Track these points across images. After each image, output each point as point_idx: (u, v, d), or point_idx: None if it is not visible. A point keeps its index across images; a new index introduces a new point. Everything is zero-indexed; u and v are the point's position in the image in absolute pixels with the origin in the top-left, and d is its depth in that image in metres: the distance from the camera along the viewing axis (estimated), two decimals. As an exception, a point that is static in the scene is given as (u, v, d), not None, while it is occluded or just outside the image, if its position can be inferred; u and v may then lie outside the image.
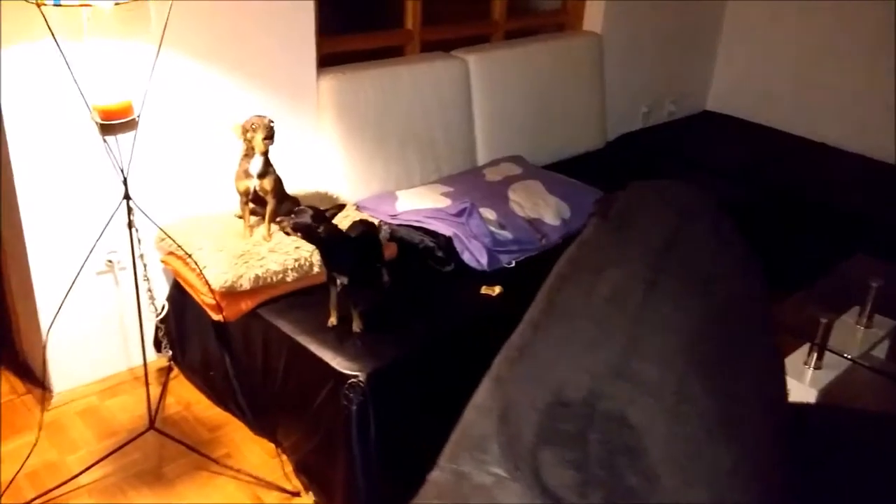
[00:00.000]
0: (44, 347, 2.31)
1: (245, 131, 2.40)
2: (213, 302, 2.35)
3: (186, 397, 2.63)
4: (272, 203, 2.49)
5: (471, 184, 3.03)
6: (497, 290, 2.45)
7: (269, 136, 2.38)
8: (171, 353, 2.71)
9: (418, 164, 3.12)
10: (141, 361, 2.70)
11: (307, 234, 2.14)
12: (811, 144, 4.08)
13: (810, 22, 4.13)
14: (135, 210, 2.09)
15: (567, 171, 3.40)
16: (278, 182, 2.51)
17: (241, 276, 2.30)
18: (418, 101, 3.08)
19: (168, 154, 2.54)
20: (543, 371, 0.83)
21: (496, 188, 3.00)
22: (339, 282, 2.22)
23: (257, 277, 2.32)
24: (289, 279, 2.39)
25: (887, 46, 3.87)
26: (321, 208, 2.18)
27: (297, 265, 2.39)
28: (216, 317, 2.38)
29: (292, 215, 2.13)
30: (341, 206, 2.26)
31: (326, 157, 2.91)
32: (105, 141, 1.96)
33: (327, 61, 2.89)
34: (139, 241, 2.44)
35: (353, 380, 2.06)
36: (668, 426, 0.74)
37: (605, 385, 0.77)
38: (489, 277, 2.55)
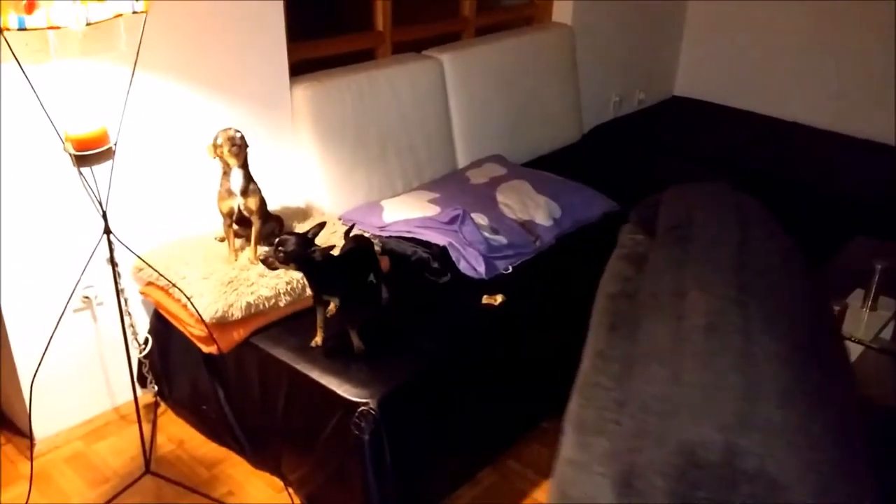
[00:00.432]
0: (30, 395, 2.15)
1: (215, 148, 2.27)
2: (203, 334, 2.22)
3: (178, 434, 2.49)
4: (258, 223, 2.37)
5: (457, 188, 2.94)
6: (499, 298, 2.37)
7: (236, 146, 2.25)
8: (156, 388, 2.57)
9: (399, 171, 3.02)
10: (125, 399, 2.58)
11: (302, 263, 2.02)
12: (784, 125, 4.07)
13: (772, 3, 4.12)
14: (115, 244, 1.95)
15: (547, 166, 3.33)
16: (262, 201, 2.39)
17: (231, 305, 2.18)
18: (395, 105, 2.97)
19: (140, 177, 2.39)
20: (660, 425, 0.75)
21: (483, 191, 2.91)
22: (330, 303, 2.12)
23: (249, 305, 2.20)
24: (281, 304, 2.27)
25: (851, 22, 3.88)
26: (301, 232, 2.07)
27: (288, 289, 2.27)
28: (207, 349, 2.25)
29: (278, 249, 2.01)
30: (322, 224, 2.15)
31: (305, 170, 2.79)
32: (80, 174, 1.82)
33: (298, 69, 2.77)
34: (117, 273, 2.29)
35: (363, 408, 1.95)
36: (810, 475, 0.66)
37: (737, 438, 0.69)
38: (488, 285, 2.46)
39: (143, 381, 2.57)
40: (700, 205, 1.09)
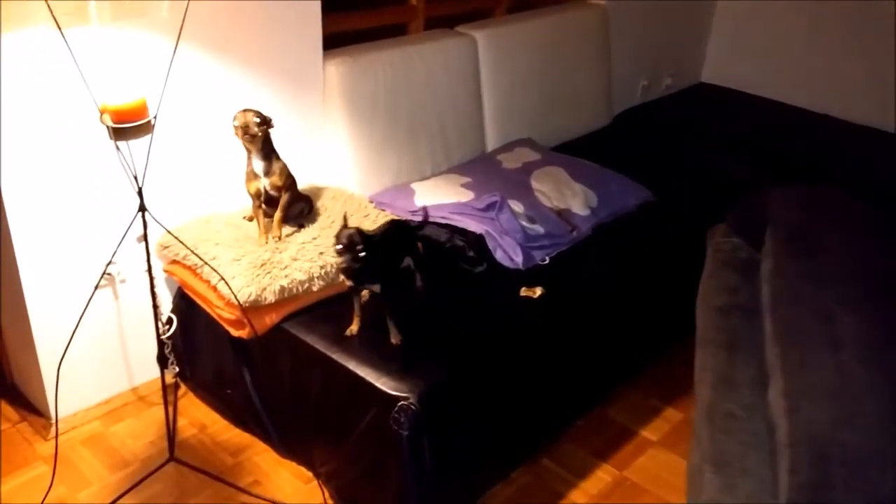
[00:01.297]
0: (56, 377, 2.06)
1: (234, 129, 2.17)
2: (233, 317, 2.14)
3: (200, 418, 2.41)
4: (285, 198, 2.26)
5: (490, 173, 2.84)
6: (538, 291, 2.28)
7: (248, 134, 2.13)
8: (177, 369, 2.49)
9: (429, 152, 2.92)
10: (144, 379, 2.50)
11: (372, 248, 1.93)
12: (815, 116, 3.97)
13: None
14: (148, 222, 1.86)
15: (576, 151, 3.23)
16: (289, 178, 2.29)
17: (265, 289, 2.08)
18: (428, 83, 2.86)
19: (168, 150, 2.28)
20: (837, 474, 0.67)
21: (517, 177, 2.81)
22: (364, 290, 2.03)
23: (282, 289, 2.11)
24: (315, 288, 2.18)
25: (886, 14, 3.77)
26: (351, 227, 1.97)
27: (322, 273, 2.18)
28: (237, 333, 2.16)
29: (340, 245, 1.90)
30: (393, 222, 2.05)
31: (334, 149, 2.69)
32: (118, 147, 1.71)
33: (327, 43, 2.64)
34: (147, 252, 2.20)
35: (403, 402, 1.87)
36: None
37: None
38: (524, 276, 2.38)
39: (164, 362, 2.48)
40: (820, 213, 1.00)
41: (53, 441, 2.25)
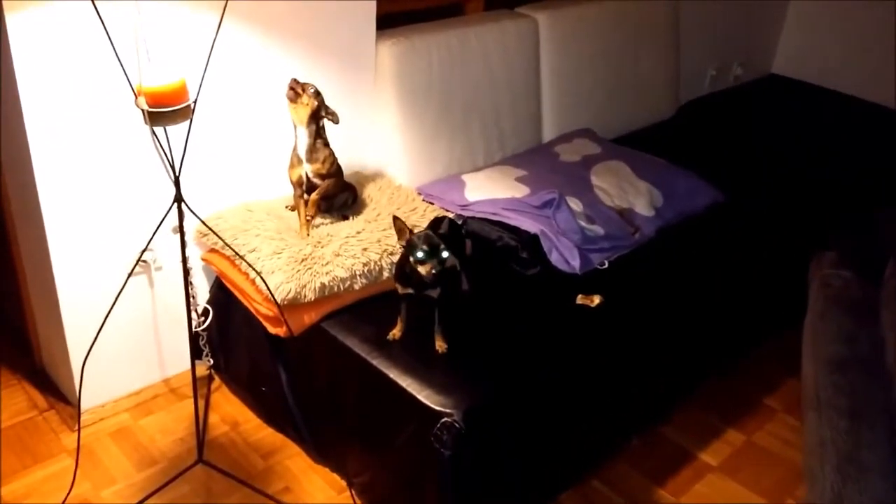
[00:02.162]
0: (81, 370, 1.96)
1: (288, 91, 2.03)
2: (271, 313, 2.01)
3: (232, 414, 2.30)
4: (327, 183, 2.12)
5: (546, 165, 2.66)
6: (596, 300, 2.11)
7: (292, 90, 2.00)
8: (211, 361, 2.38)
9: (482, 141, 2.75)
10: (176, 371, 2.40)
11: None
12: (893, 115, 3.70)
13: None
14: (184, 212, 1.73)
15: (640, 144, 3.03)
16: (334, 166, 2.14)
17: (304, 286, 1.95)
18: (484, 67, 2.69)
19: (209, 133, 2.15)
20: None
21: (576, 171, 2.63)
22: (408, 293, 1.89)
23: (323, 286, 1.98)
24: (357, 286, 2.05)
25: None
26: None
27: (365, 270, 2.04)
28: (274, 330, 2.04)
29: (422, 252, 1.76)
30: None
31: (383, 135, 2.54)
32: (153, 133, 1.58)
33: (381, 23, 2.48)
34: (183, 243, 2.08)
35: (446, 419, 1.73)
36: None
37: None
38: (581, 282, 2.21)
39: (198, 353, 2.38)
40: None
41: (80, 431, 2.16)
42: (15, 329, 2.44)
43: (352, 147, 2.45)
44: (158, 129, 1.60)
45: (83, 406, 2.22)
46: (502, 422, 1.83)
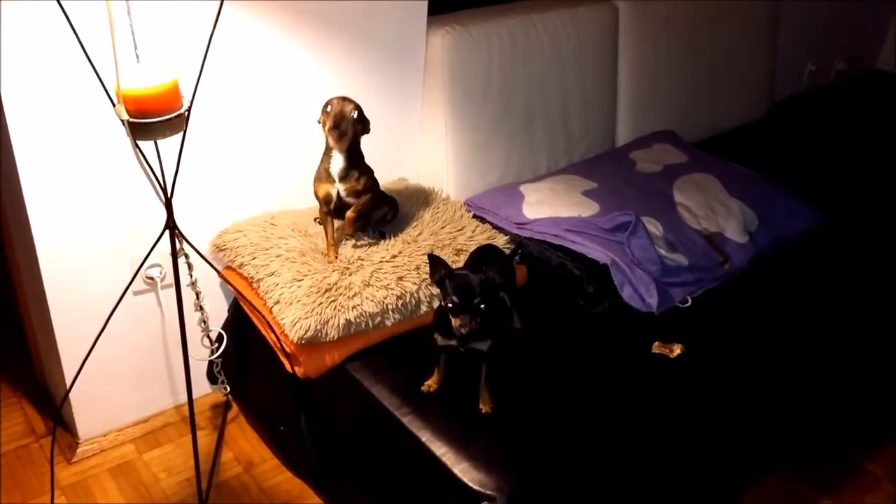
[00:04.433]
0: (66, 392, 1.73)
1: (321, 115, 1.72)
2: (289, 349, 1.72)
3: (247, 452, 2.03)
4: (360, 203, 1.80)
5: (620, 177, 2.30)
6: (677, 349, 1.76)
7: (337, 129, 1.68)
8: (228, 388, 2.11)
9: (545, 144, 2.40)
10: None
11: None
12: None
13: None
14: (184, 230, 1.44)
15: (725, 149, 2.64)
16: (370, 180, 1.83)
17: (327, 323, 1.65)
18: (554, 60, 2.33)
19: (214, 132, 1.86)
20: None
21: (655, 185, 2.26)
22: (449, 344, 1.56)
23: (348, 323, 1.67)
24: (388, 322, 1.74)
25: None
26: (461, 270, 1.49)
27: (399, 304, 1.73)
28: (292, 369, 1.75)
29: (452, 304, 1.44)
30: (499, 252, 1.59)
31: (431, 138, 2.21)
32: (137, 148, 1.29)
33: (433, 7, 2.13)
34: (188, 265, 1.80)
35: (486, 502, 1.41)
36: None
37: None
38: (658, 323, 1.85)
39: (212, 379, 2.11)
40: None
41: (77, 465, 1.92)
42: (17, 335, 2.21)
43: (394, 151, 2.15)
44: (147, 143, 1.30)
45: (82, 435, 1.98)
46: (555, 499, 1.50)
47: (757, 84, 3.02)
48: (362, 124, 1.73)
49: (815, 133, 2.99)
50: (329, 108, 1.69)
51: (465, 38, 2.12)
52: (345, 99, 1.70)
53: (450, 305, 1.43)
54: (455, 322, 1.44)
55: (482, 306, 1.43)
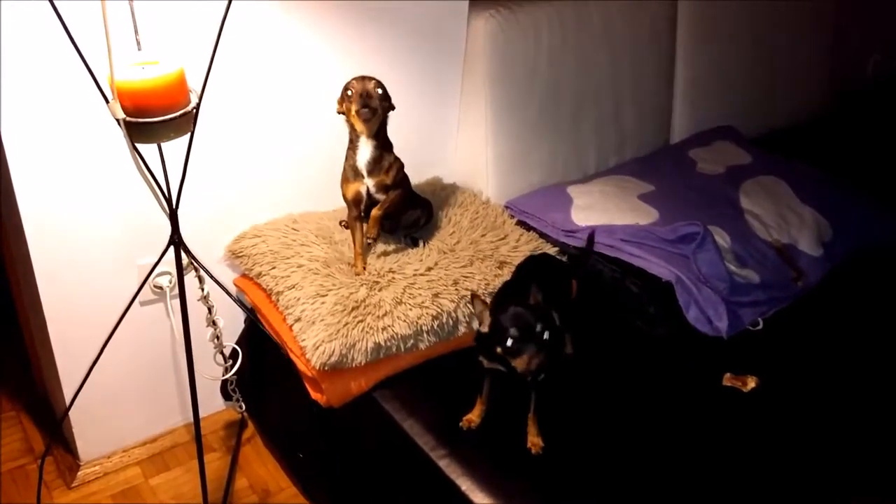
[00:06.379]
0: (66, 410, 1.55)
1: (341, 103, 1.52)
2: (311, 374, 1.53)
3: (263, 479, 1.84)
4: (388, 199, 1.60)
5: (680, 178, 2.07)
6: (751, 382, 1.54)
7: (368, 108, 1.49)
8: (243, 405, 1.93)
9: (594, 140, 2.17)
10: (202, 414, 1.92)
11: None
12: None
13: None
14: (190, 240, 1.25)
15: (787, 146, 2.41)
16: (400, 174, 1.62)
17: (353, 347, 1.45)
18: (607, 51, 2.11)
19: (225, 132, 1.67)
20: None
21: (720, 189, 2.03)
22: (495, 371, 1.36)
23: (377, 346, 1.47)
24: (422, 346, 1.54)
25: None
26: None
27: (435, 325, 1.53)
28: (314, 395, 1.56)
29: (512, 339, 1.24)
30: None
31: (470, 134, 2.00)
32: (136, 151, 1.09)
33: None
34: (199, 278, 1.60)
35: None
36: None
37: None
38: (728, 349, 1.64)
39: (227, 395, 1.93)
40: None
41: (77, 491, 1.75)
42: (18, 344, 2.04)
43: (428, 148, 1.94)
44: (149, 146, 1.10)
45: (83, 457, 1.81)
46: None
47: (818, 76, 2.77)
48: (388, 101, 1.53)
49: (883, 129, 2.74)
50: (350, 92, 1.49)
51: (511, 22, 1.90)
52: (364, 77, 1.50)
53: (509, 344, 1.22)
54: (520, 363, 1.23)
55: (546, 334, 1.22)
